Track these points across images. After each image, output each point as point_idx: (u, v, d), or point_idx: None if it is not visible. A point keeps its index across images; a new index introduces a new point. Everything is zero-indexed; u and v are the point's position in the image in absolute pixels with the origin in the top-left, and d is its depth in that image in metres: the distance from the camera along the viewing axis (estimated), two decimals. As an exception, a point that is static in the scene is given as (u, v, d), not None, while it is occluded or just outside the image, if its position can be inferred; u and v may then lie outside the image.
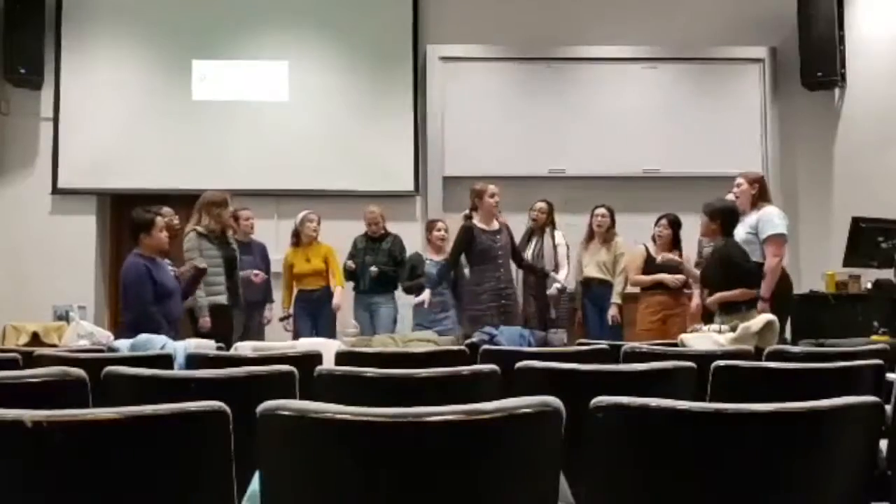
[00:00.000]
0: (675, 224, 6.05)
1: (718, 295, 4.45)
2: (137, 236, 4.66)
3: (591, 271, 6.30)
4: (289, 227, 6.62)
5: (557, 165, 7.56)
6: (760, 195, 5.05)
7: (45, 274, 7.18)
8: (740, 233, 4.86)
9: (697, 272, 5.82)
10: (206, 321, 5.04)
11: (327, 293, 6.30)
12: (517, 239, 6.38)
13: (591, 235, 6.42)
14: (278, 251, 6.59)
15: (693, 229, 5.87)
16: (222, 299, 5.23)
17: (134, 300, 4.53)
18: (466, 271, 5.71)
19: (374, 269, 6.23)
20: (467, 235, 5.46)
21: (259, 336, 5.90)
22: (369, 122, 7.61)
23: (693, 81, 7.79)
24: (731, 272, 4.45)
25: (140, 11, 7.60)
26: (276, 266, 6.42)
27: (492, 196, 5.50)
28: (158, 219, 4.72)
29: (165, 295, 4.61)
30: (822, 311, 5.89)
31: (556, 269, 6.19)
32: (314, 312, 6.28)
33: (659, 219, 6.11)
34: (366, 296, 6.36)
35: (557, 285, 6.09)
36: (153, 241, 4.64)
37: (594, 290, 6.31)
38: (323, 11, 7.69)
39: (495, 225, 5.53)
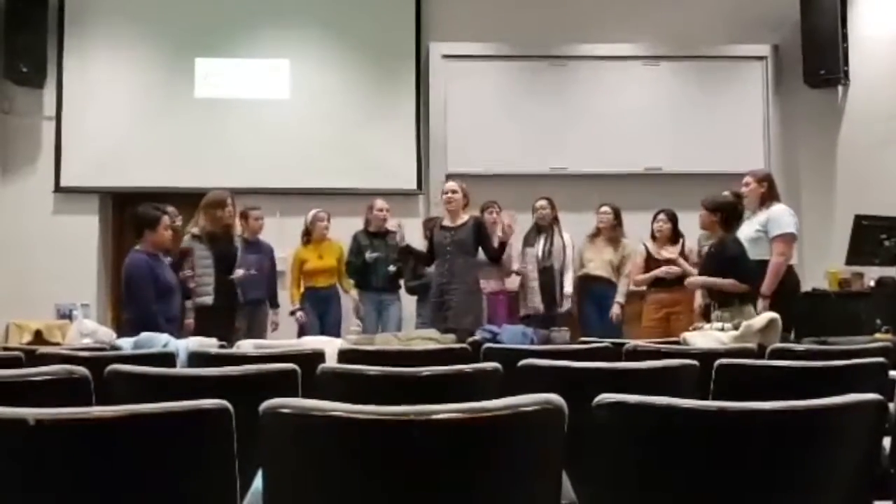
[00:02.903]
0: (673, 218, 6.05)
1: (703, 278, 4.51)
2: (141, 232, 4.70)
3: (597, 269, 6.28)
4: (291, 224, 6.60)
5: (559, 163, 7.55)
6: (769, 193, 5.04)
7: (47, 272, 7.18)
8: (749, 231, 4.85)
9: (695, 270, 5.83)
10: (189, 323, 5.12)
11: (336, 292, 6.31)
12: (520, 236, 6.36)
13: (597, 232, 6.42)
14: (281, 249, 6.59)
15: (695, 227, 5.86)
16: (208, 300, 5.27)
17: (137, 297, 4.55)
18: None
19: (391, 267, 6.20)
20: (426, 231, 5.66)
21: (259, 336, 5.86)
22: (371, 119, 7.61)
23: (695, 79, 7.77)
24: (725, 265, 4.47)
25: (142, 10, 7.60)
26: (280, 264, 6.40)
27: (444, 193, 5.53)
28: (165, 217, 4.78)
29: (166, 292, 4.65)
30: (825, 308, 5.88)
31: (563, 270, 6.19)
32: (323, 311, 6.26)
33: (657, 214, 6.11)
34: (377, 293, 6.29)
35: (567, 304, 6.17)
36: (158, 238, 4.70)
37: (595, 288, 6.29)
38: (325, 9, 7.68)
39: (460, 220, 5.43)
